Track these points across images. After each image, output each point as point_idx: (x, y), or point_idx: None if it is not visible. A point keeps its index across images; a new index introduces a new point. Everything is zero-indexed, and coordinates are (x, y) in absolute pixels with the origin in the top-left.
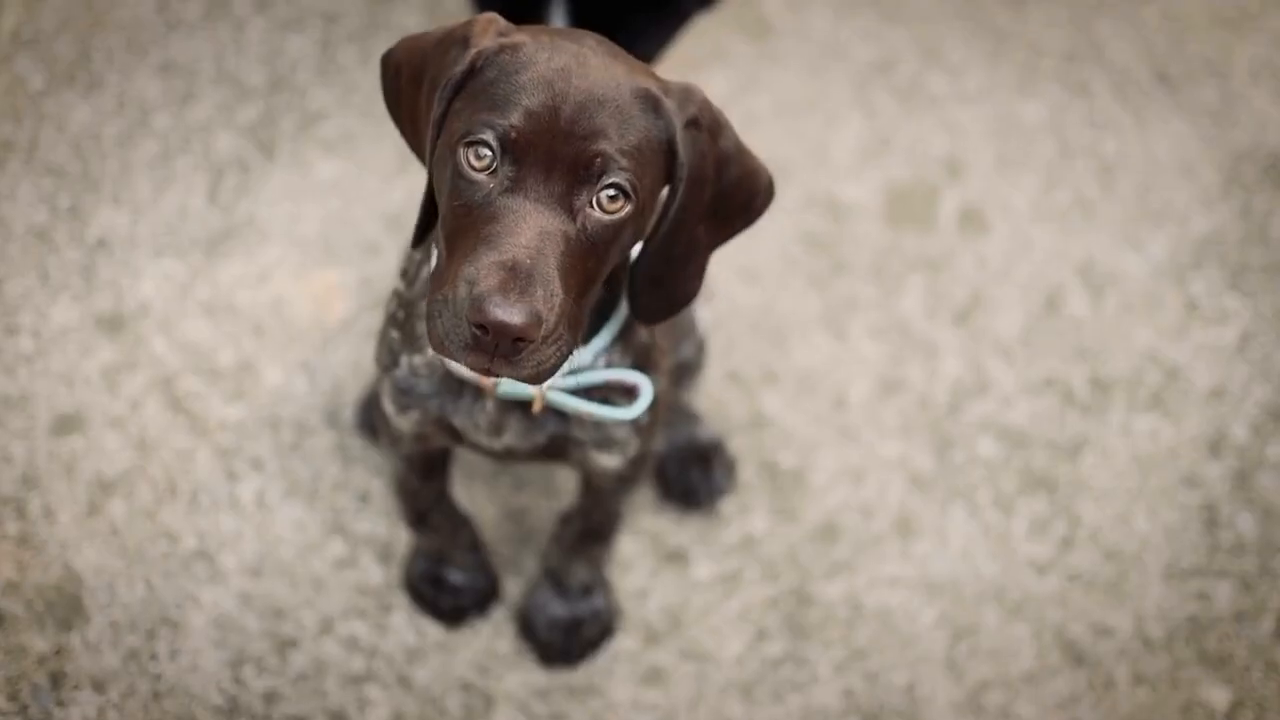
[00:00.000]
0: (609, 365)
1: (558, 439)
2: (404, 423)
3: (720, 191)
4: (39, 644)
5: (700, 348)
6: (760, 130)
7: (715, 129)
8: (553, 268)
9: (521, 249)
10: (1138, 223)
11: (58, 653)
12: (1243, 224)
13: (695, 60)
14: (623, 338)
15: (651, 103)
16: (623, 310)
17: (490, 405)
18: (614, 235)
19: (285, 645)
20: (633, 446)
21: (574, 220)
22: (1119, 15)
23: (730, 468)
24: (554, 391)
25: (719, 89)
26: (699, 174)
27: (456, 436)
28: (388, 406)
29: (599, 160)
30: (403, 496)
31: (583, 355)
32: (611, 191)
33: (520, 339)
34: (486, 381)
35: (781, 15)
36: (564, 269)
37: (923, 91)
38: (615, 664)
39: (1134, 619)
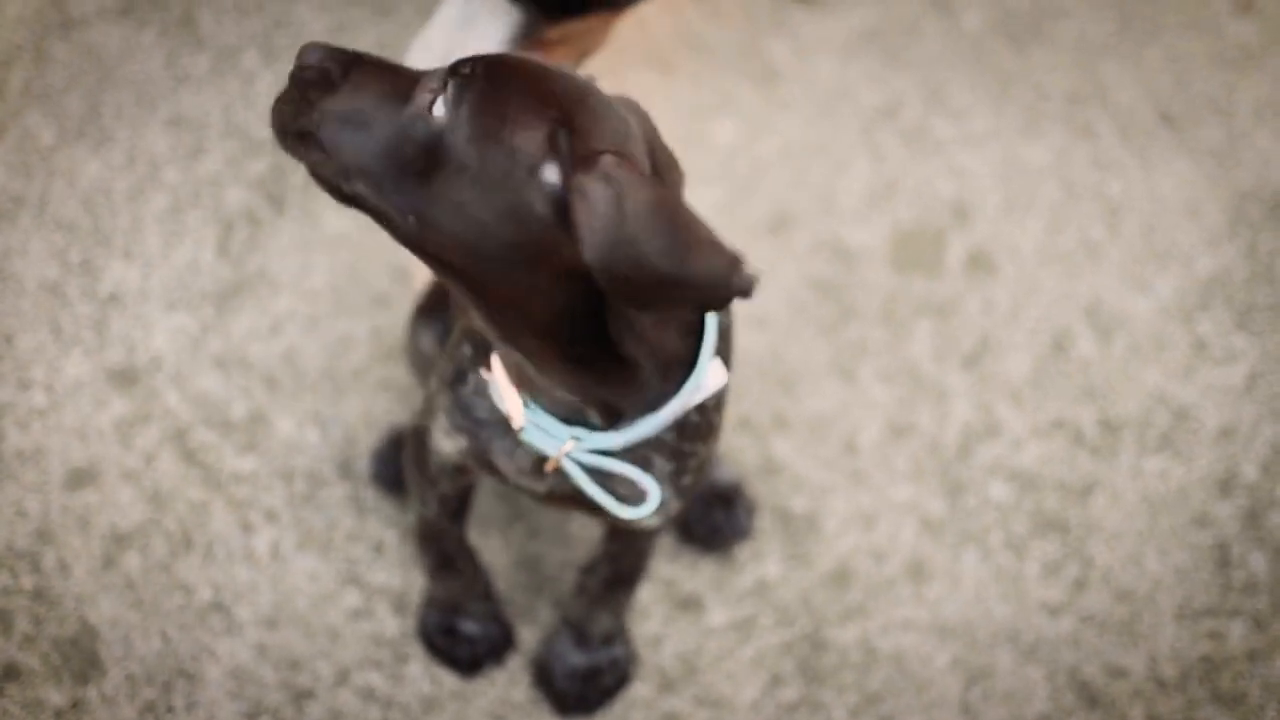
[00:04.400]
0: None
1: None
2: (450, 444)
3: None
4: (55, 698)
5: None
6: (769, 176)
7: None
8: None
9: None
10: (1144, 264)
11: (74, 706)
12: (1249, 263)
13: (703, 108)
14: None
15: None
16: (674, 406)
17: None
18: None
19: (301, 696)
20: (674, 507)
21: None
22: (1122, 57)
23: (750, 509)
24: (569, 461)
25: (727, 136)
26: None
27: (495, 468)
28: (440, 424)
29: None
30: (429, 542)
31: (614, 440)
32: None
33: None
34: (516, 416)
35: (788, 61)
36: None
37: (928, 135)
38: (630, 711)
39: (1147, 660)
